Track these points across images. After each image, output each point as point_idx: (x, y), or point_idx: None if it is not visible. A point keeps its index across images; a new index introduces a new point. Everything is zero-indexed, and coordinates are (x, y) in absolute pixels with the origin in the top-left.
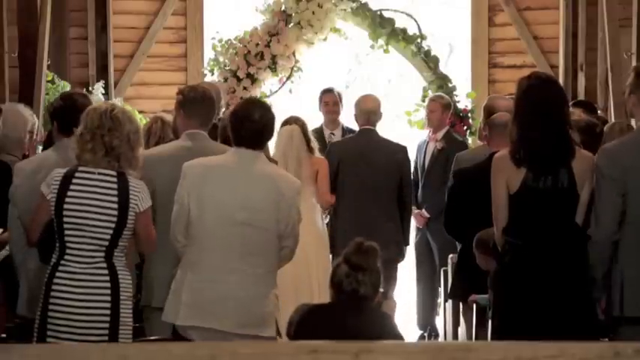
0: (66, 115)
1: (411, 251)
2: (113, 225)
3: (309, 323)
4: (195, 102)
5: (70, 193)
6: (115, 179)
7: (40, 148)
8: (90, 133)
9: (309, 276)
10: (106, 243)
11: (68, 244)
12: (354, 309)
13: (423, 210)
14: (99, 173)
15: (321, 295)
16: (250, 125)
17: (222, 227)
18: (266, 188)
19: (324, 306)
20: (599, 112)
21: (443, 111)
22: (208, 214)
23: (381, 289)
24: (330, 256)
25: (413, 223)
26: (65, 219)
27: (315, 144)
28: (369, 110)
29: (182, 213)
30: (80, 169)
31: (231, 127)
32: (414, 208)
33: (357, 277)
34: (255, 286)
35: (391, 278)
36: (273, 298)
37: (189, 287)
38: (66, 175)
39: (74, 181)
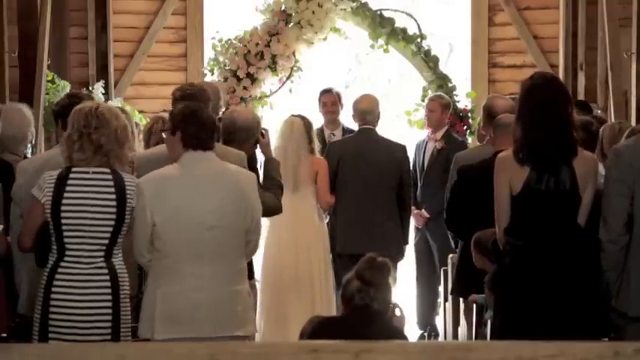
0: None
1: (410, 251)
2: (112, 223)
3: (321, 335)
4: (185, 100)
5: (66, 195)
6: (110, 177)
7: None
8: (77, 132)
9: (311, 277)
10: (106, 242)
11: (68, 246)
12: (366, 323)
13: (423, 210)
14: (93, 172)
15: (322, 296)
16: (193, 127)
17: (194, 234)
18: (228, 186)
19: (336, 319)
20: (598, 111)
21: (442, 111)
22: (177, 224)
23: (392, 304)
24: (330, 255)
25: (412, 223)
26: (63, 221)
27: (316, 145)
28: (364, 111)
29: (145, 229)
30: (74, 169)
31: (181, 132)
32: (413, 208)
33: (369, 292)
34: (228, 285)
35: None
36: (247, 295)
37: (162, 300)
38: (59, 176)
39: (69, 182)
